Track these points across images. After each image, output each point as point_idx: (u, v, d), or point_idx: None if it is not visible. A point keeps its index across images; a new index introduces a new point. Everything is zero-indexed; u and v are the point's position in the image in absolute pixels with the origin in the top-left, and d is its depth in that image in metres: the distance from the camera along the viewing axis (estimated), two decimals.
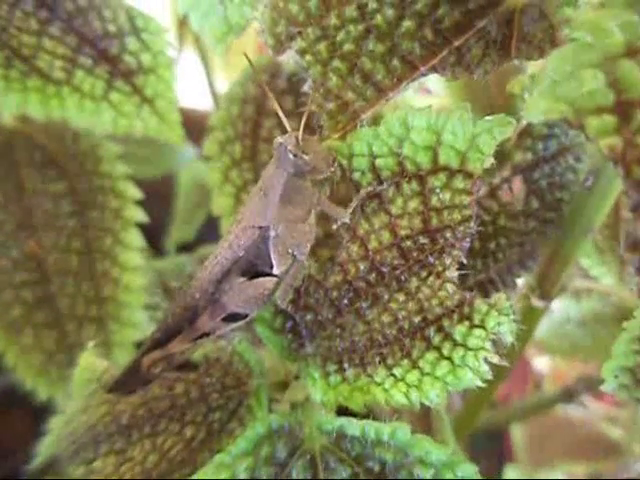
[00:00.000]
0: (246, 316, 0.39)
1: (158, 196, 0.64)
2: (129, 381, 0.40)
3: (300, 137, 0.35)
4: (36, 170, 0.58)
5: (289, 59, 0.63)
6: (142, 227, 0.61)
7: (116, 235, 0.57)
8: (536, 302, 0.51)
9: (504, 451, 1.00)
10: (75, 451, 0.41)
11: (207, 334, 0.40)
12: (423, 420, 0.46)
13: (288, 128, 0.36)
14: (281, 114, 0.36)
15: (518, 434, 1.02)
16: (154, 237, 0.60)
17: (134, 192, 0.59)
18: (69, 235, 0.57)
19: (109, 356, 0.57)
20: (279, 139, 0.36)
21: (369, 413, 0.37)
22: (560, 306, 0.84)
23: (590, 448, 1.01)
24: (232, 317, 0.39)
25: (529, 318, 0.51)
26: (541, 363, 1.15)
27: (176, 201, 1.02)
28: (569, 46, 0.25)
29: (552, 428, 1.04)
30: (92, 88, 0.51)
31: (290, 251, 0.38)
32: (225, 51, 0.49)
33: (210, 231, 1.06)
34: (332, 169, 0.37)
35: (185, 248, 0.89)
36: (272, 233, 0.37)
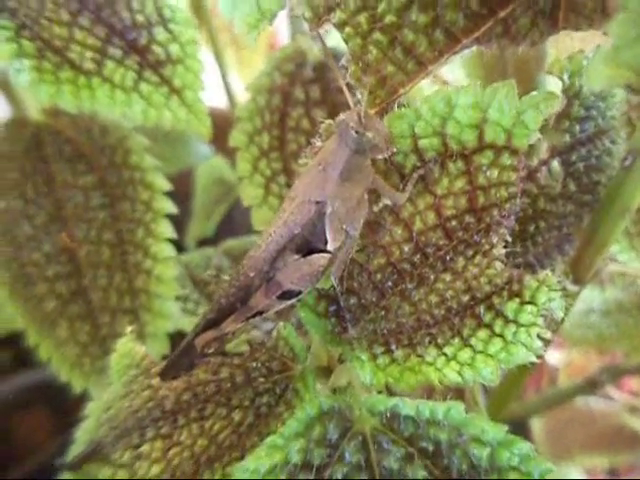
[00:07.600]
0: (300, 293, 0.39)
1: (175, 193, 0.63)
2: (182, 363, 0.40)
3: (362, 114, 0.35)
4: (66, 164, 0.58)
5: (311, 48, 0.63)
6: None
7: (147, 226, 0.57)
8: (570, 286, 0.50)
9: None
10: (118, 436, 0.41)
11: (260, 312, 0.40)
12: None
13: (351, 104, 0.36)
14: (345, 89, 0.36)
15: (538, 426, 1.02)
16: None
17: (163, 183, 0.59)
18: (100, 227, 0.57)
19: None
20: (341, 116, 0.36)
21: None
22: (583, 297, 0.83)
23: (610, 439, 1.00)
24: (286, 294, 0.39)
25: None
26: (554, 358, 1.14)
27: (194, 198, 1.02)
28: (633, 12, 0.25)
29: (572, 420, 1.04)
30: (122, 79, 0.51)
31: (344, 227, 0.38)
32: (255, 40, 0.49)
33: (226, 227, 1.06)
34: (393, 148, 0.37)
35: (201, 244, 0.89)
36: (329, 209, 0.37)
